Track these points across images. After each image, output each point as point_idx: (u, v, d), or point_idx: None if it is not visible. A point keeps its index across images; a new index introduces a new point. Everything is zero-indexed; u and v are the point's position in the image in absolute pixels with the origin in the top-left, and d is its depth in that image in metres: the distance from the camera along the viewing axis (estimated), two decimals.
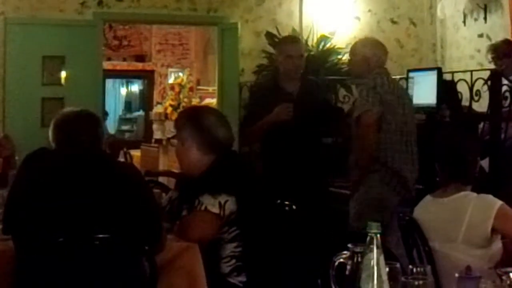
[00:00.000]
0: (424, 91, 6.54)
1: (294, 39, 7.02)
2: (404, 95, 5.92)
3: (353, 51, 6.01)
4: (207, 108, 4.61)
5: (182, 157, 4.17)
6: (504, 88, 6.15)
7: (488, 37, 8.86)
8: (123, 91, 20.39)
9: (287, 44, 6.57)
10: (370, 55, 5.82)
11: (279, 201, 4.42)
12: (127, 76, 19.34)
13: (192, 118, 4.17)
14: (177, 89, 14.88)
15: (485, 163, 5.65)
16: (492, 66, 7.02)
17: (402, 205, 5.42)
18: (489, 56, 7.08)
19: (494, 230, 3.83)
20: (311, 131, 6.23)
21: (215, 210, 3.85)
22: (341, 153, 6.26)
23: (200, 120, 4.14)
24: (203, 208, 3.85)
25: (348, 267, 2.39)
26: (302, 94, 6.30)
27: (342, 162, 6.15)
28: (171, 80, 16.73)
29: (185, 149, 4.11)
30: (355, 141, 5.72)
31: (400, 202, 5.55)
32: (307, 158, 6.22)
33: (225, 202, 3.86)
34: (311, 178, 6.21)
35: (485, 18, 8.92)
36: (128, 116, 19.69)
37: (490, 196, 3.94)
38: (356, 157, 5.73)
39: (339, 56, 9.50)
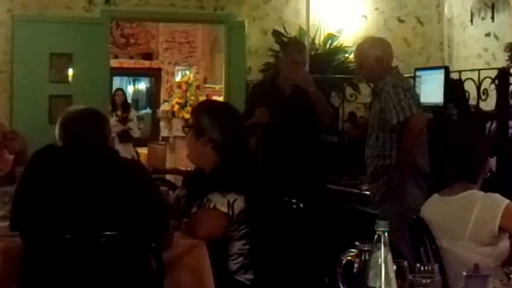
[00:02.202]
0: (431, 90, 6.53)
1: (300, 47, 7.03)
2: (418, 95, 5.88)
3: (362, 54, 5.76)
4: (229, 105, 4.50)
5: (196, 151, 4.11)
6: None
7: (496, 36, 8.85)
8: (130, 89, 20.38)
9: (295, 51, 6.63)
10: (382, 53, 5.64)
11: (286, 199, 4.42)
12: (134, 74, 19.34)
13: (207, 117, 4.08)
14: (184, 87, 14.91)
15: (492, 162, 5.64)
16: (500, 64, 7.01)
17: None
18: (506, 54, 7.06)
19: (501, 229, 3.83)
20: (303, 128, 6.30)
21: (224, 209, 3.84)
22: (347, 152, 6.26)
23: (224, 120, 4.08)
24: (211, 206, 3.85)
25: (356, 265, 2.39)
26: (296, 93, 6.41)
27: (347, 161, 6.13)
28: (178, 78, 16.75)
29: (199, 143, 4.06)
30: (392, 146, 5.56)
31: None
32: (299, 156, 6.27)
33: (234, 200, 3.85)
34: (305, 176, 6.24)
35: (492, 17, 8.91)
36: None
37: (497, 195, 3.93)
38: (389, 162, 5.58)
39: (346, 55, 9.51)
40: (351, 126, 6.10)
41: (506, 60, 7.12)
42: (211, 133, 4.03)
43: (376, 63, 5.64)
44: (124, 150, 11.52)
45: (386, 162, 5.54)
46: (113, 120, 12.04)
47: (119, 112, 12.77)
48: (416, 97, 5.59)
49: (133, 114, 13.30)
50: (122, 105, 13.04)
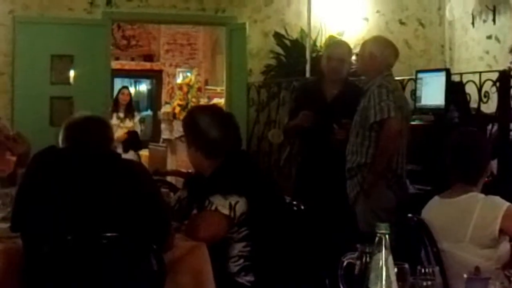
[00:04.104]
0: (432, 92, 6.53)
1: (338, 43, 7.07)
2: (406, 99, 5.98)
3: (363, 47, 5.99)
4: (203, 110, 4.46)
5: (190, 158, 4.19)
6: None
7: (497, 39, 8.85)
8: (131, 90, 20.40)
9: (329, 46, 6.65)
10: (377, 53, 5.78)
11: (288, 200, 4.42)
12: (135, 75, 19.34)
13: (189, 125, 4.20)
14: (185, 89, 14.90)
15: (493, 164, 5.64)
16: (501, 67, 7.00)
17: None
18: (511, 56, 7.07)
19: (501, 231, 3.83)
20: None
21: (225, 211, 3.84)
22: None
23: (196, 126, 4.11)
24: (213, 208, 3.85)
25: (357, 267, 2.39)
26: (339, 97, 6.34)
27: None
28: (179, 80, 16.74)
29: (191, 151, 4.13)
30: (370, 144, 5.64)
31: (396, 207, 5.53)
32: (335, 159, 6.19)
33: (236, 203, 3.86)
34: (337, 180, 6.17)
35: (493, 20, 8.91)
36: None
37: (498, 198, 3.93)
38: (365, 160, 5.64)
39: None
40: (337, 127, 6.10)
41: (511, 62, 7.12)
42: (196, 143, 4.09)
43: (369, 59, 5.81)
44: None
45: (362, 161, 5.67)
46: (112, 122, 10.77)
47: (121, 114, 11.41)
48: (399, 101, 5.66)
49: (137, 118, 11.95)
50: (126, 105, 11.60)
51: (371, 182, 5.58)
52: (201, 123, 4.09)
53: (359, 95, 6.33)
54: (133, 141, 11.26)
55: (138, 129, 11.67)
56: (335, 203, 6.06)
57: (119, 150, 10.38)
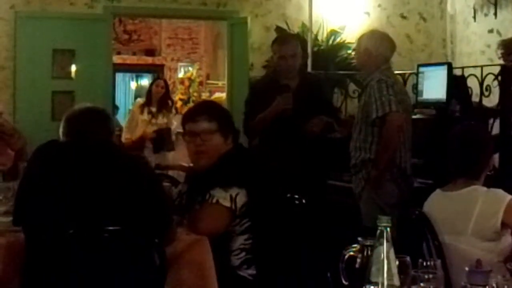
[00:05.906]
0: (434, 86, 6.54)
1: (286, 39, 6.84)
2: (406, 93, 5.96)
3: (359, 42, 5.97)
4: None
5: (218, 151, 4.09)
6: None
7: (499, 33, 8.84)
8: (133, 85, 20.39)
9: (279, 45, 6.47)
10: (372, 49, 5.75)
11: (289, 194, 4.42)
12: (136, 70, 19.32)
13: (227, 113, 4.33)
14: (186, 83, 14.90)
15: (495, 158, 5.64)
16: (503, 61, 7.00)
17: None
18: (499, 52, 7.05)
19: (503, 224, 3.83)
20: (303, 125, 6.19)
21: (227, 203, 3.86)
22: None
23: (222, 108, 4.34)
24: (214, 201, 3.87)
25: (358, 260, 2.39)
26: (300, 88, 6.27)
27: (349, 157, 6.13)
28: (180, 75, 16.74)
29: (227, 143, 4.12)
30: (373, 140, 5.64)
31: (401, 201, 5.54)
32: (301, 152, 6.17)
33: (236, 195, 3.87)
34: (306, 172, 6.14)
35: (495, 14, 8.91)
36: None
37: (500, 190, 3.93)
38: (369, 156, 5.65)
39: (349, 51, 9.50)
40: (314, 119, 6.11)
41: (499, 58, 7.10)
42: (232, 127, 4.19)
43: (365, 55, 5.81)
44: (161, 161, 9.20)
45: (366, 157, 5.67)
46: (142, 117, 9.68)
47: (153, 108, 9.74)
48: (399, 95, 5.65)
49: (173, 114, 10.37)
50: (160, 99, 9.88)
51: (376, 177, 5.58)
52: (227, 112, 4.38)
53: (318, 84, 6.56)
54: (164, 139, 9.91)
55: (173, 125, 10.04)
56: (307, 192, 6.04)
57: (148, 151, 9.54)
